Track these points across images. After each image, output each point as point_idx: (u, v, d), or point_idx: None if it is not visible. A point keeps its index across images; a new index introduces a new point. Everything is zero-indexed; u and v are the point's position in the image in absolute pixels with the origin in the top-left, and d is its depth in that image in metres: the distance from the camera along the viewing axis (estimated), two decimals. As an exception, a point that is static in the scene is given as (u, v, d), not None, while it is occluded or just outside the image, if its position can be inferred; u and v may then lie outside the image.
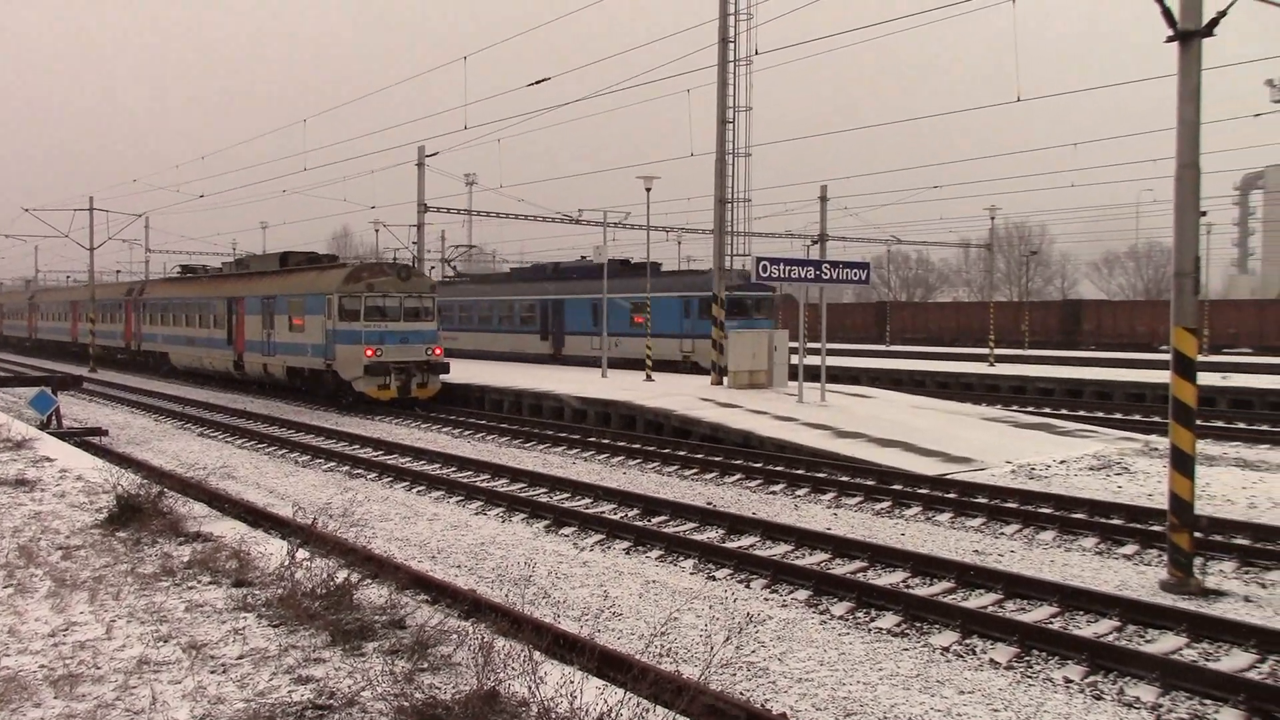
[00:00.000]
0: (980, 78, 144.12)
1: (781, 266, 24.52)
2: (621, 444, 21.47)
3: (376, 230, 62.43)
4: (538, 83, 29.57)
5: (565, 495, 16.18)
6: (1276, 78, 58.59)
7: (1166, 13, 10.58)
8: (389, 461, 19.56)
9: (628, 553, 12.51)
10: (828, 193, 48.40)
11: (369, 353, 28.45)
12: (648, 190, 33.36)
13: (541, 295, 41.68)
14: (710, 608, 10.03)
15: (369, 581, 8.69)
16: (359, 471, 18.84)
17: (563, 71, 31.96)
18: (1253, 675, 7.96)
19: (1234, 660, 8.41)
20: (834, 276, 25.18)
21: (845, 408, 23.71)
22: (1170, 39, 10.64)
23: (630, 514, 14.67)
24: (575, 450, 21.51)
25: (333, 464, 19.74)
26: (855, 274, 25.64)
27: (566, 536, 13.42)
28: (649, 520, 14.21)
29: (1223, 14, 10.47)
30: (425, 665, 6.85)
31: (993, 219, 48.71)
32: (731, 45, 28.19)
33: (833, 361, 33.54)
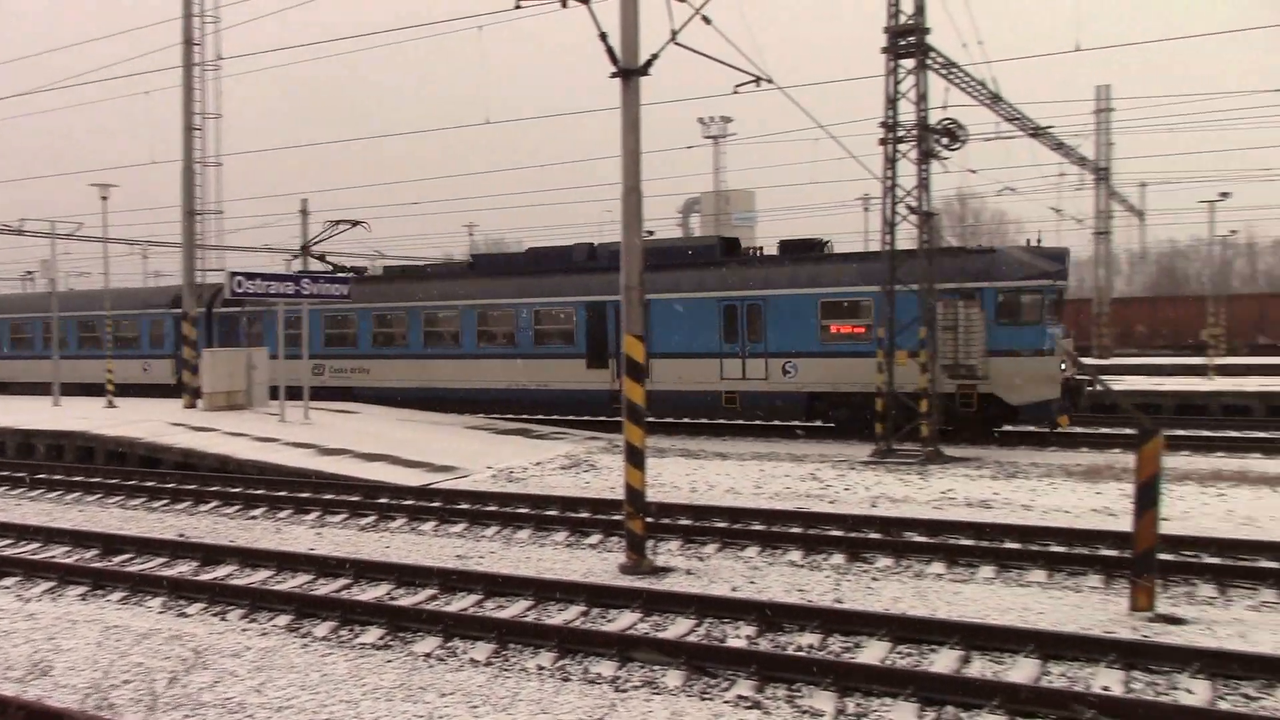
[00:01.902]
0: (455, 99, 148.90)
1: (259, 282, 23.57)
2: (78, 479, 19.23)
3: None
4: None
5: (7, 542, 14.18)
6: (705, 116, 67.41)
7: (610, 51, 11.72)
8: None
9: (84, 599, 11.25)
10: (310, 205, 47.22)
11: None
12: (104, 199, 30.36)
13: (584, 296, 25.02)
14: (179, 647, 9.31)
15: None
16: None
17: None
18: (693, 639, 9.06)
19: (678, 627, 9.49)
20: (315, 293, 24.67)
21: (330, 425, 23.29)
22: (614, 75, 11.79)
23: (87, 555, 13.21)
24: (20, 490, 18.94)
25: None
26: (337, 289, 25.29)
27: (8, 589, 11.75)
28: (110, 560, 12.91)
29: (655, 56, 11.81)
30: None
31: (471, 235, 50.71)
32: (198, 48, 26.59)
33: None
